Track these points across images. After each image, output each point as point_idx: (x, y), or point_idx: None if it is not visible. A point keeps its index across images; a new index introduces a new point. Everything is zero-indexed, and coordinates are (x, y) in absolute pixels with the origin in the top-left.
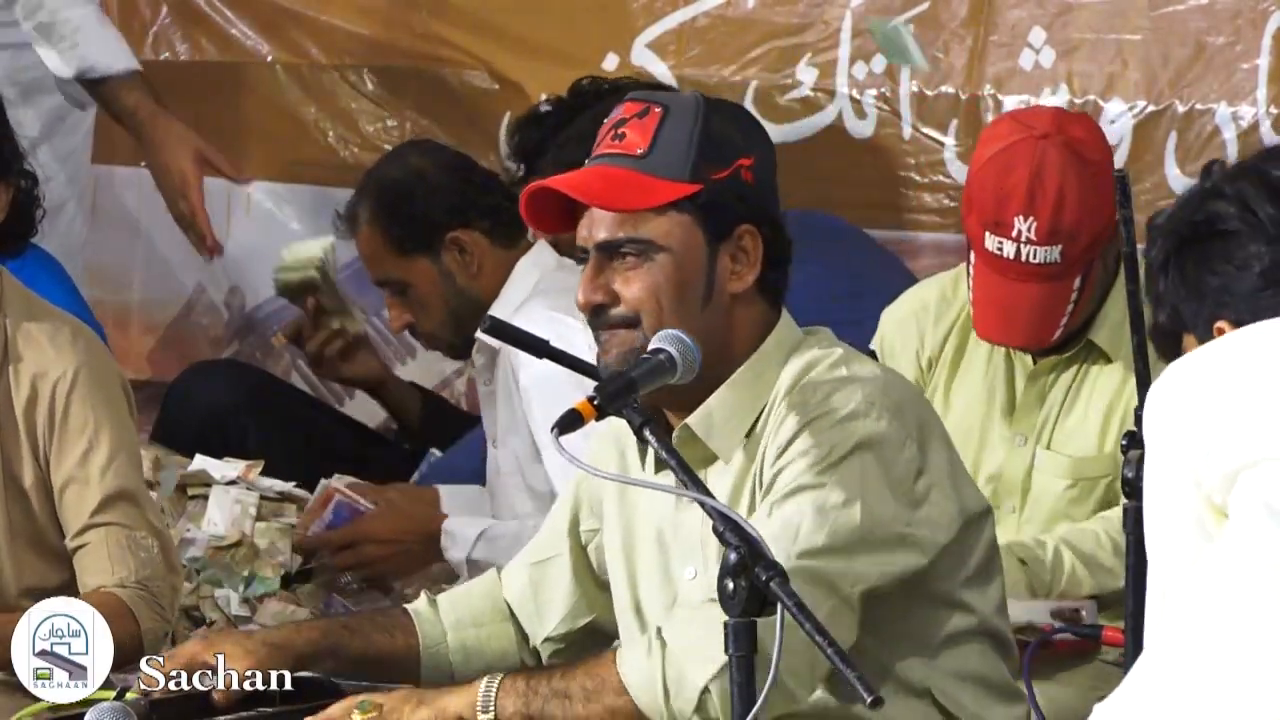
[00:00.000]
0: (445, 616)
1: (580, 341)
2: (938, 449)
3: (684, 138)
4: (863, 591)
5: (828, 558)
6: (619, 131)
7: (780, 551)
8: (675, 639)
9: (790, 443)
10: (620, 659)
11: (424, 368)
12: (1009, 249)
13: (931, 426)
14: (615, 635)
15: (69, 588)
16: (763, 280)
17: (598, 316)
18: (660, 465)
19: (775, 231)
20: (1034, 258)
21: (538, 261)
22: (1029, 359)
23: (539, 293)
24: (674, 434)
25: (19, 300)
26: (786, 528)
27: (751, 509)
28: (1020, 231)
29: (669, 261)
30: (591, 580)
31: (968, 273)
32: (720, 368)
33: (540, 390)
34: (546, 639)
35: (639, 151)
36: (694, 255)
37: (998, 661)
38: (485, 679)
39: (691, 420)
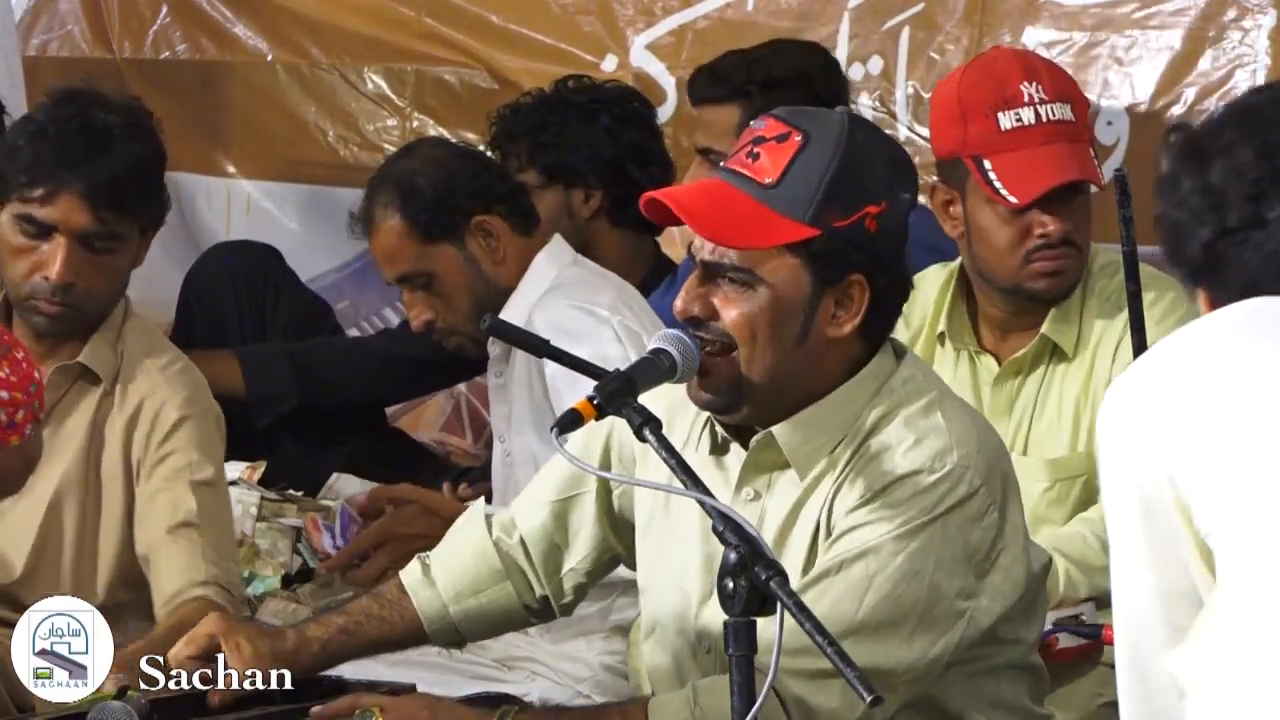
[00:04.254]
0: (443, 589)
1: (607, 333)
2: (1015, 509)
3: (815, 177)
4: (911, 679)
5: (887, 633)
6: (754, 150)
7: (842, 615)
8: (711, 705)
9: (874, 497)
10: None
11: None
12: (1028, 115)
13: (1011, 482)
14: (630, 566)
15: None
16: (865, 326)
17: (695, 327)
18: (719, 448)
19: (890, 280)
20: (1053, 115)
21: (555, 257)
22: (993, 364)
23: (559, 286)
24: (755, 437)
25: (140, 332)
26: (852, 592)
27: (815, 533)
28: (1031, 95)
29: (769, 297)
30: (610, 523)
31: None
32: (799, 401)
33: (569, 380)
34: (570, 571)
35: (767, 181)
36: (795, 297)
37: (1031, 690)
38: (498, 714)
39: (777, 429)
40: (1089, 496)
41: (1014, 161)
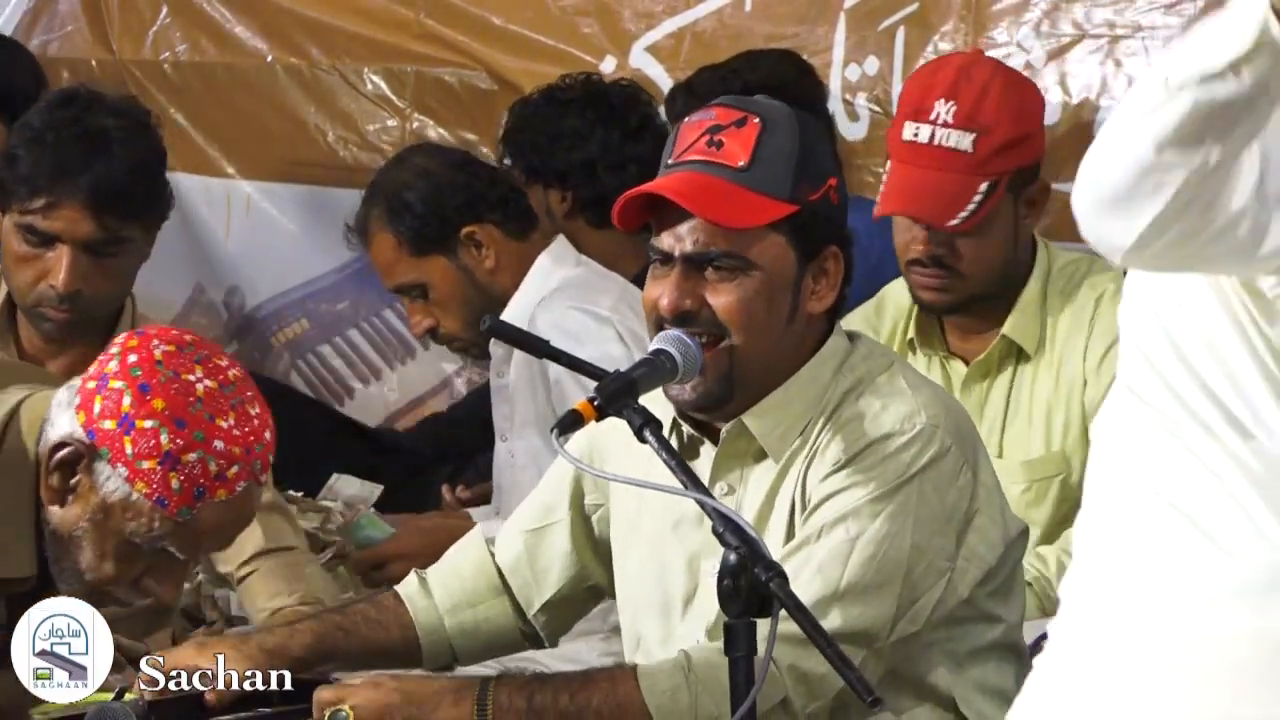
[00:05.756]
0: (440, 601)
1: (609, 333)
2: (986, 471)
3: (784, 155)
4: (896, 641)
5: (873, 595)
6: (716, 139)
7: (827, 580)
8: (706, 670)
9: (848, 463)
10: (645, 685)
11: (424, 367)
12: (924, 133)
13: (980, 446)
14: (612, 596)
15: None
16: (835, 302)
17: (684, 322)
18: (689, 451)
19: (850, 250)
20: (946, 141)
21: (558, 258)
22: (962, 368)
23: (562, 288)
24: (725, 427)
25: None
26: (835, 557)
27: (791, 513)
28: (939, 114)
29: (761, 279)
30: (590, 549)
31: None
32: (781, 379)
33: (575, 381)
34: (545, 604)
35: (740, 164)
36: (784, 275)
37: (1015, 673)
38: (477, 691)
39: (747, 417)
40: (1067, 495)
41: (897, 173)
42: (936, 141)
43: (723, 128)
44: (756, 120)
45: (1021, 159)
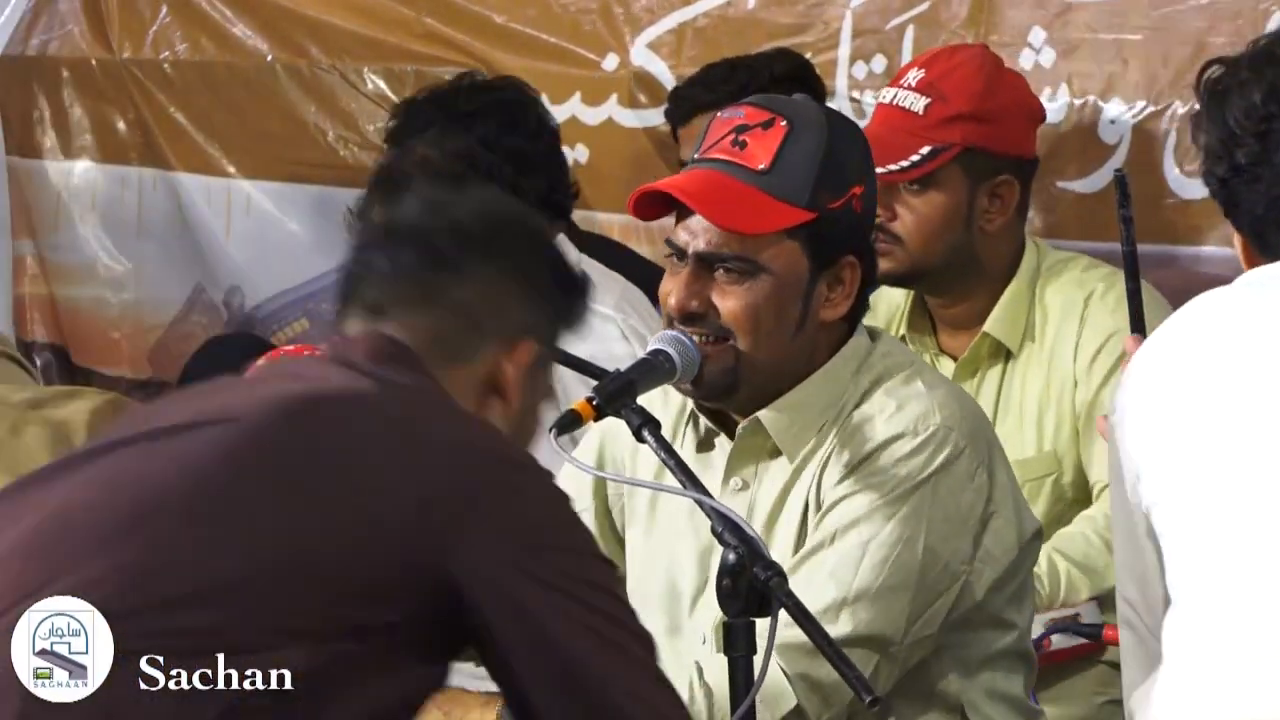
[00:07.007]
0: None
1: (612, 331)
2: (1003, 471)
3: (807, 161)
4: (910, 644)
5: (886, 599)
6: (740, 139)
7: (840, 585)
8: (720, 682)
9: (860, 465)
10: None
11: None
12: (887, 95)
13: (997, 447)
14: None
15: None
16: (853, 309)
17: (690, 322)
18: (704, 444)
19: (871, 260)
20: (900, 101)
21: None
22: (951, 364)
23: None
24: (742, 424)
25: None
26: (847, 561)
27: (804, 514)
28: (908, 80)
29: (771, 284)
30: (614, 536)
31: None
32: (790, 383)
33: (579, 378)
34: None
35: (760, 167)
36: (795, 282)
37: (1024, 679)
38: (501, 701)
39: (763, 414)
40: (1059, 494)
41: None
42: (891, 102)
43: (749, 128)
44: (784, 123)
45: (977, 137)
